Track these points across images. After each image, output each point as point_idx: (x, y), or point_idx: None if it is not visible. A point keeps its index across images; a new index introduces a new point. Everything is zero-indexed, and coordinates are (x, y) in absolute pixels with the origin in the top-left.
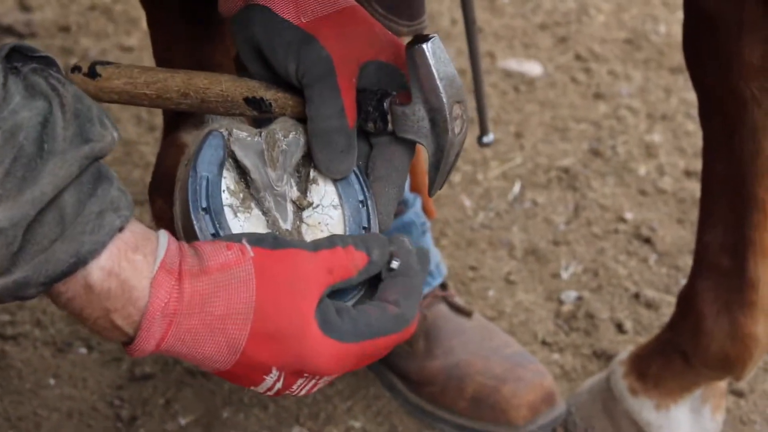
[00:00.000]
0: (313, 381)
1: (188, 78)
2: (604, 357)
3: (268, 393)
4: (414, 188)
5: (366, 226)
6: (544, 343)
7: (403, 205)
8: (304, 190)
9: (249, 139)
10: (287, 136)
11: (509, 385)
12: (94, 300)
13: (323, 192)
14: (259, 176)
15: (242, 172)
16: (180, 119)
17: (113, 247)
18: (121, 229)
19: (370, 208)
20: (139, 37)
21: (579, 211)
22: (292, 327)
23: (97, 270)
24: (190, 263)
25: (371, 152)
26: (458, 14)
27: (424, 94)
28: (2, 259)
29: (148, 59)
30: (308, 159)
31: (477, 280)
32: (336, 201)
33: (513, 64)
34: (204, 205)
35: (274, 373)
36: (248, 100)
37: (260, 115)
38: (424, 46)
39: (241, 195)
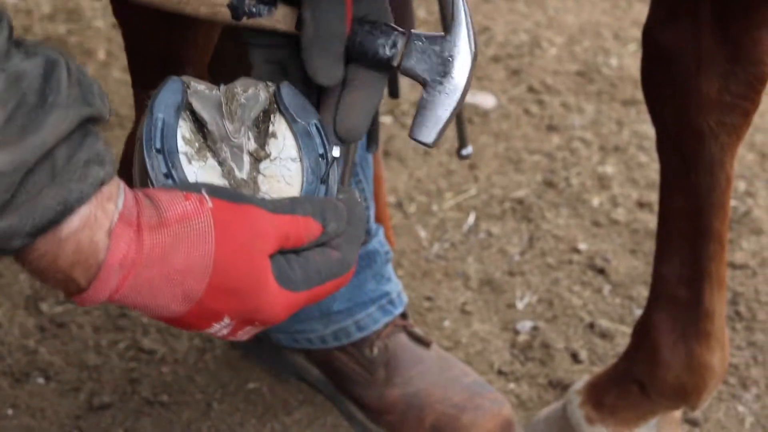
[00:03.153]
0: (259, 328)
1: None
2: (560, 386)
3: (210, 334)
4: (377, 218)
5: (324, 178)
6: (500, 372)
7: (367, 235)
8: (262, 144)
9: (207, 92)
10: (246, 91)
11: (468, 414)
12: (63, 253)
13: (282, 146)
14: (216, 128)
15: (199, 124)
16: None
17: (93, 199)
18: (103, 183)
19: (329, 161)
20: (94, 69)
21: (533, 241)
22: (250, 281)
23: (76, 220)
24: (147, 214)
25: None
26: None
27: (455, 36)
28: None
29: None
30: (268, 115)
31: (433, 310)
32: (295, 154)
33: (467, 96)
34: (158, 146)
35: (226, 320)
36: (231, 5)
37: (243, 22)
38: None
39: (197, 144)
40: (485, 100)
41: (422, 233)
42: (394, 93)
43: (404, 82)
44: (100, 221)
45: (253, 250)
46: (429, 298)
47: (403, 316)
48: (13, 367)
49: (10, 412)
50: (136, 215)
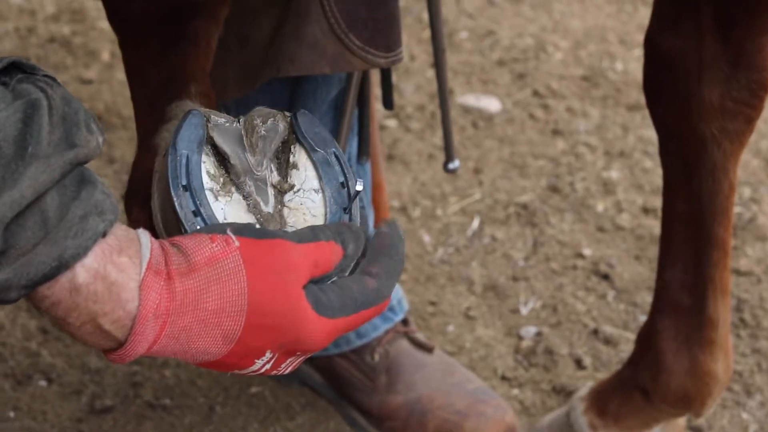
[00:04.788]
0: (301, 358)
1: None
2: (564, 393)
3: (253, 374)
4: (375, 225)
5: (347, 206)
6: (503, 378)
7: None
8: (284, 176)
9: (227, 125)
10: (265, 123)
11: (471, 420)
12: (80, 303)
13: (304, 176)
14: (239, 161)
15: (221, 158)
16: (156, 125)
17: (98, 250)
18: (104, 234)
19: (351, 189)
20: (98, 70)
21: (537, 247)
22: (287, 313)
23: (83, 272)
24: (176, 262)
25: None
26: (417, 50)
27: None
28: None
29: (107, 92)
30: (287, 145)
31: (436, 315)
32: (316, 185)
33: (471, 99)
34: (184, 182)
35: (268, 355)
36: None
37: None
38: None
39: (221, 180)
40: (490, 104)
41: (426, 238)
42: (388, 104)
43: (407, 86)
44: (112, 273)
45: (286, 281)
46: (433, 303)
47: (405, 322)
48: (15, 369)
49: (11, 414)
50: (164, 264)
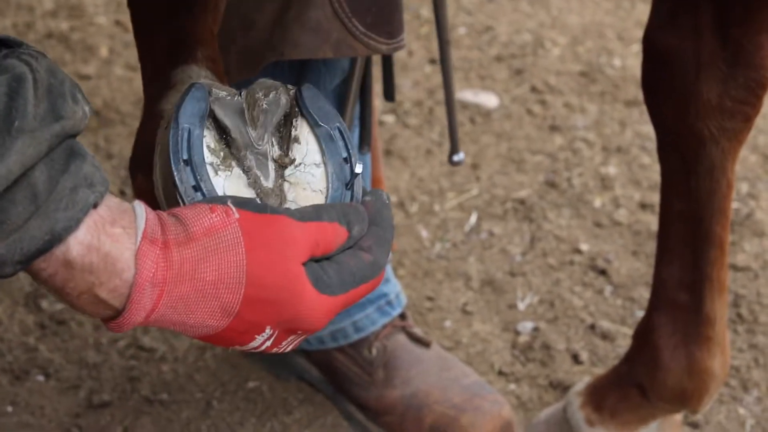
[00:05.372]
0: (302, 337)
1: None
2: (561, 387)
3: (254, 350)
4: None
5: (349, 182)
6: (500, 373)
7: None
8: (286, 150)
9: (229, 98)
10: (267, 96)
11: (468, 414)
12: (76, 275)
13: (305, 151)
14: (240, 135)
15: (222, 131)
16: (162, 91)
17: (90, 222)
18: (95, 205)
19: (354, 164)
20: (96, 66)
21: (535, 242)
22: (286, 288)
23: (76, 245)
24: (174, 231)
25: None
26: (415, 45)
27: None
28: None
29: (105, 88)
30: (289, 119)
31: (434, 310)
32: (318, 159)
33: (469, 95)
34: (185, 156)
35: (268, 331)
36: None
37: None
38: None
39: (222, 154)
40: (488, 99)
41: (424, 233)
42: (389, 96)
43: (405, 82)
44: (106, 244)
45: (285, 257)
46: (430, 298)
47: (403, 316)
48: (13, 364)
49: (9, 409)
50: (161, 233)
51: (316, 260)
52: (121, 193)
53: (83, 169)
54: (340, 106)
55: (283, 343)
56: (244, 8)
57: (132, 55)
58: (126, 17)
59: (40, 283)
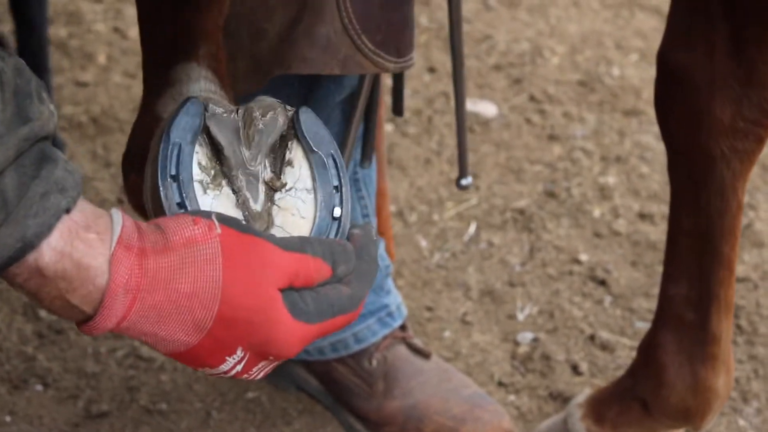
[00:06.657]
0: (273, 364)
1: None
2: (560, 398)
3: (223, 375)
4: (379, 232)
5: (338, 216)
6: (500, 384)
7: None
8: (278, 173)
9: (225, 115)
10: (265, 116)
11: (468, 425)
12: (49, 281)
13: (298, 175)
14: (233, 154)
15: (215, 149)
16: (160, 87)
17: (63, 228)
18: (68, 210)
19: (344, 195)
20: (94, 73)
21: (534, 252)
22: (261, 310)
23: (48, 251)
24: (152, 239)
25: None
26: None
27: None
28: None
29: (103, 95)
30: (285, 141)
31: (433, 320)
32: (309, 185)
33: (468, 104)
34: (173, 172)
35: (239, 353)
36: None
37: None
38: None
39: (212, 172)
40: (486, 108)
41: (423, 243)
42: (398, 111)
43: (404, 91)
44: (79, 249)
45: (262, 279)
46: (429, 308)
47: (403, 327)
48: (12, 373)
49: (8, 419)
50: (137, 240)
51: (295, 290)
52: (119, 202)
53: (54, 173)
54: (346, 121)
55: (254, 369)
56: (254, 18)
57: (130, 62)
58: (124, 24)
59: (15, 288)
